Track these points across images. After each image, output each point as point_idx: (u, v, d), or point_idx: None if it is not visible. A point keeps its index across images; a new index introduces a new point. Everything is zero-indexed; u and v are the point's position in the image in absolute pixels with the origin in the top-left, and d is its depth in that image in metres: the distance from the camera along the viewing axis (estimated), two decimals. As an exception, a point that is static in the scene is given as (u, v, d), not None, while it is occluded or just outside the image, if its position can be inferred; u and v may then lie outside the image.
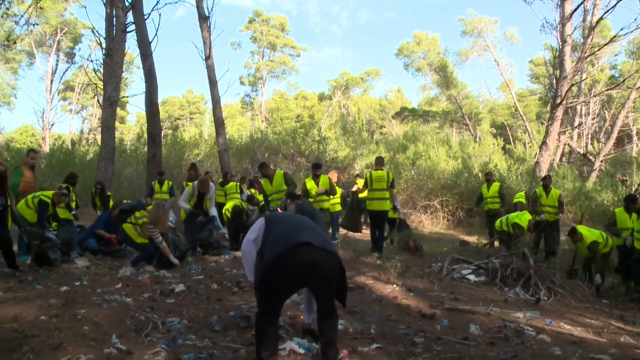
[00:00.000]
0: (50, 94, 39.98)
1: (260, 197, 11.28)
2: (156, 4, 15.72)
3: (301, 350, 4.19)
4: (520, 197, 13.51)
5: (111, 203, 11.16)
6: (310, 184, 10.18)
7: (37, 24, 26.29)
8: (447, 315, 5.78)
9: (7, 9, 14.73)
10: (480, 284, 7.98)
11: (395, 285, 7.35)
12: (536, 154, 21.17)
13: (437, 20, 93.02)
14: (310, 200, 9.78)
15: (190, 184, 9.68)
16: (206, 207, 9.34)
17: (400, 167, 22.41)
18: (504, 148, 30.43)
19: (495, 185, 13.26)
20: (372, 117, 48.10)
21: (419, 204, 18.79)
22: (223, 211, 10.90)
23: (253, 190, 12.50)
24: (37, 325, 4.42)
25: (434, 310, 5.96)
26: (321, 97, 55.07)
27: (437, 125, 42.93)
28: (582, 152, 26.00)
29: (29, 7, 16.02)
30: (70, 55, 41.88)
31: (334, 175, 11.80)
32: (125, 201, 9.80)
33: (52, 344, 3.97)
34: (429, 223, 18.00)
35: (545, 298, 7.15)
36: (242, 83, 53.71)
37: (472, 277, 8.38)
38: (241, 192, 12.11)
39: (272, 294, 3.74)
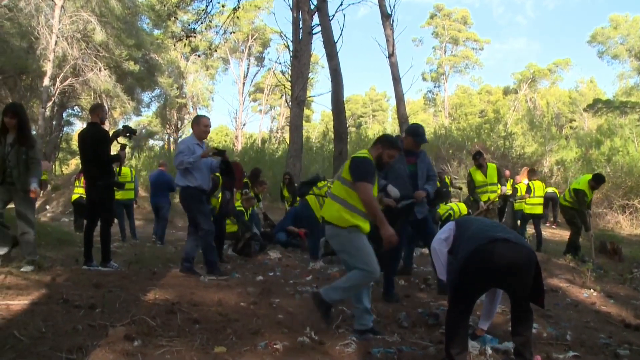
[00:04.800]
0: (242, 96, 43.23)
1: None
2: (340, 5, 16.19)
3: (489, 350, 4.04)
4: None
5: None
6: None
7: (233, 33, 28.51)
8: (657, 328, 5.14)
9: (210, 21, 16.11)
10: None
11: (592, 290, 6.81)
12: None
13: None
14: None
15: None
16: None
17: (593, 164, 20.69)
18: None
19: None
20: (561, 110, 44.79)
21: (615, 204, 17.44)
22: None
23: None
24: (237, 311, 4.72)
25: (641, 320, 5.36)
26: (506, 91, 52.89)
27: (637, 117, 38.81)
28: None
29: (227, 17, 17.31)
30: (260, 59, 44.92)
31: (525, 173, 11.30)
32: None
33: (251, 329, 4.20)
34: (627, 224, 16.68)
35: None
36: (424, 79, 53.44)
37: (684, 287, 7.41)
38: None
39: (466, 289, 3.69)
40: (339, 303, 5.23)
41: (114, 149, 6.63)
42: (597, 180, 9.55)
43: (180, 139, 6.80)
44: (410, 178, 5.72)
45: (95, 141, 6.22)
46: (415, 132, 5.85)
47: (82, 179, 11.42)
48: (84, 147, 6.32)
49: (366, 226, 4.32)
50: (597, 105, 39.42)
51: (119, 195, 9.88)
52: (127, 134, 6.70)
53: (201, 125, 6.33)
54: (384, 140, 4.65)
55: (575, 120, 44.77)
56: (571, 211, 9.69)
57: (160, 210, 10.71)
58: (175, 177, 6.45)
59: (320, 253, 8.22)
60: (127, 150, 6.98)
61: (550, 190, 15.46)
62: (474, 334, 4.28)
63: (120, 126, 6.86)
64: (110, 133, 6.47)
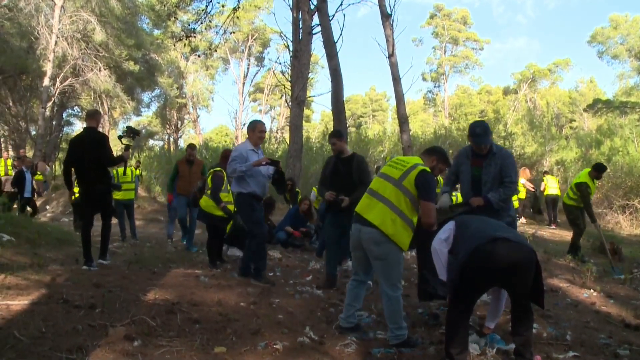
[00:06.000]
0: (242, 96, 43.22)
1: None
2: (340, 5, 16.11)
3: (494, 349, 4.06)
4: None
5: (299, 198, 11.67)
6: None
7: (232, 33, 28.49)
8: (657, 328, 5.13)
9: (210, 21, 16.10)
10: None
11: (592, 290, 6.79)
12: None
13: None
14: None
15: None
16: None
17: (593, 164, 20.67)
18: None
19: None
20: (561, 110, 44.83)
21: (615, 204, 17.29)
22: None
23: None
24: (238, 311, 4.72)
25: (641, 320, 5.35)
26: (506, 91, 52.99)
27: (637, 117, 38.80)
28: None
29: (227, 17, 17.28)
30: (260, 59, 44.91)
31: (525, 173, 11.27)
32: None
33: (251, 329, 4.21)
34: (627, 224, 16.50)
35: None
36: (424, 79, 53.50)
37: (684, 288, 7.39)
38: None
39: (466, 289, 3.69)
40: (341, 301, 5.23)
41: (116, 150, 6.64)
42: (598, 169, 9.37)
43: (235, 146, 6.93)
44: (472, 182, 5.25)
45: (97, 144, 6.22)
46: (471, 132, 5.17)
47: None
48: (82, 151, 6.29)
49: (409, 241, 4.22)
50: (597, 105, 39.34)
51: (119, 195, 9.92)
52: (131, 135, 6.72)
53: (256, 131, 6.31)
54: (441, 153, 4.46)
55: (575, 120, 44.79)
56: (576, 211, 9.51)
57: None
58: (231, 183, 6.47)
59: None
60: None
61: (553, 191, 15.45)
62: (481, 332, 4.29)
63: (121, 127, 6.84)
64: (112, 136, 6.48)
